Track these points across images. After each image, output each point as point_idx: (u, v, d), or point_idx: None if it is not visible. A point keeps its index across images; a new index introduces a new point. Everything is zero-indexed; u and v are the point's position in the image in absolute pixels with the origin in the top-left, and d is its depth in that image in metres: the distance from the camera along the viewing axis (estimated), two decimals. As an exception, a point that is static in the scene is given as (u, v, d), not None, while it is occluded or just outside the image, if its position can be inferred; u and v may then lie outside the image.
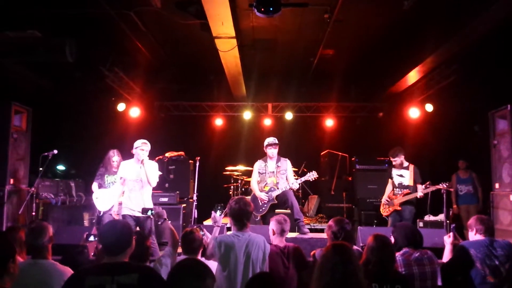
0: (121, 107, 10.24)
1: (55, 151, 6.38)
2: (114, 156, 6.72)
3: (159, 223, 3.96)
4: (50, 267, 3.31)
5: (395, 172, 7.05)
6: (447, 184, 6.50)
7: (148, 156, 5.92)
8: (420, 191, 6.65)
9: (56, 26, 6.93)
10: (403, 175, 6.96)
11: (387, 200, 7.00)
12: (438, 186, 6.53)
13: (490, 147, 6.86)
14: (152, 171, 5.90)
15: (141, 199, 5.77)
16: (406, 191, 6.82)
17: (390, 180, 7.13)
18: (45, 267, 3.31)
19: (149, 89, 10.88)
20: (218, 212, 4.18)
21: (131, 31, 7.77)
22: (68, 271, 3.33)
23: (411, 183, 6.85)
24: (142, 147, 5.82)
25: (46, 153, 6.36)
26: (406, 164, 7.03)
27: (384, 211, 7.05)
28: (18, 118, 6.97)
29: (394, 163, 7.03)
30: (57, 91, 8.97)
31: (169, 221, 4.30)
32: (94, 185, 6.74)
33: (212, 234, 4.08)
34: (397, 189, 6.95)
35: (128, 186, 5.88)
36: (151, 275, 2.68)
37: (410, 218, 6.72)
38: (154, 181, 5.93)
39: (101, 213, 6.63)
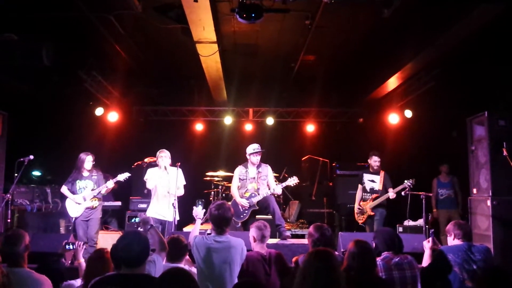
0: (99, 111, 10.07)
1: (31, 157, 6.24)
2: (88, 156, 6.64)
3: (146, 230, 3.92)
4: (26, 276, 3.26)
5: (366, 177, 7.24)
6: (410, 182, 6.67)
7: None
8: (391, 191, 6.83)
9: (33, 29, 6.80)
10: (374, 180, 7.12)
11: (359, 209, 7.16)
12: (399, 188, 6.75)
13: (468, 153, 6.95)
14: (172, 179, 6.40)
15: (167, 204, 6.32)
16: (375, 195, 6.99)
17: (360, 186, 7.27)
18: (21, 276, 3.24)
19: (128, 94, 10.76)
20: (200, 207, 4.58)
21: (110, 34, 7.67)
22: (44, 279, 3.27)
23: (381, 188, 7.04)
24: (160, 155, 6.52)
25: (22, 159, 6.22)
26: (377, 169, 7.21)
27: (359, 219, 7.23)
28: (-7, 122, 6.81)
29: (377, 165, 7.17)
30: (33, 95, 8.79)
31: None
32: (65, 189, 6.61)
33: (193, 227, 4.39)
34: (368, 194, 7.17)
35: (157, 191, 6.46)
36: None
37: (381, 220, 6.85)
38: (178, 187, 6.40)
39: (73, 219, 6.55)
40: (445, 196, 8.29)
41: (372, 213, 6.96)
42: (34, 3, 6.43)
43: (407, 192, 6.72)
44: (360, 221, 7.23)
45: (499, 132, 6.36)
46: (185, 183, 6.65)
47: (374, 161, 7.27)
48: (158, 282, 2.38)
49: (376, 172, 7.20)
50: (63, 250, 4.60)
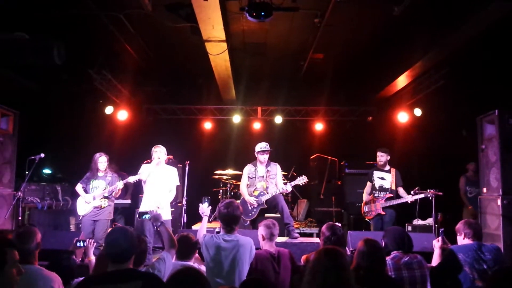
0: (109, 110, 10.13)
1: (42, 155, 6.29)
2: (101, 157, 6.67)
3: (157, 227, 3.94)
4: (36, 272, 3.27)
5: (376, 174, 7.14)
6: (433, 192, 6.56)
7: (150, 159, 6.30)
8: (410, 197, 6.70)
9: (44, 28, 6.85)
10: (384, 177, 7.04)
11: (367, 204, 7.06)
12: (425, 194, 6.57)
13: (478, 151, 6.90)
14: (165, 176, 6.23)
15: (157, 202, 6.01)
16: (388, 194, 6.89)
17: (369, 183, 7.22)
18: (31, 272, 3.25)
19: (138, 92, 10.82)
20: (206, 204, 4.55)
21: (120, 33, 7.72)
22: (55, 276, 3.29)
23: (393, 187, 6.94)
24: (154, 150, 6.28)
25: (32, 157, 6.27)
26: (388, 167, 7.14)
27: (368, 214, 7.11)
28: (4, 121, 6.85)
29: (380, 160, 7.11)
30: (44, 94, 8.86)
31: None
32: (79, 187, 6.67)
33: (201, 225, 4.42)
34: (377, 192, 7.05)
35: (148, 188, 6.22)
36: (155, 282, 2.67)
37: (390, 222, 6.77)
38: (166, 186, 6.23)
39: (80, 217, 6.58)
40: (474, 195, 8.09)
41: (383, 213, 6.88)
42: (44, 2, 6.48)
43: (417, 192, 6.67)
44: (367, 217, 7.13)
45: (510, 131, 6.30)
46: (178, 183, 6.46)
47: (377, 156, 7.20)
48: (170, 282, 2.37)
49: (387, 170, 7.12)
50: (74, 248, 4.63)
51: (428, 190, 6.58)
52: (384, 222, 6.84)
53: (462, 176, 8.42)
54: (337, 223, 4.18)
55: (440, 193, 6.65)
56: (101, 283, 2.60)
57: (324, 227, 4.02)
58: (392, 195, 6.89)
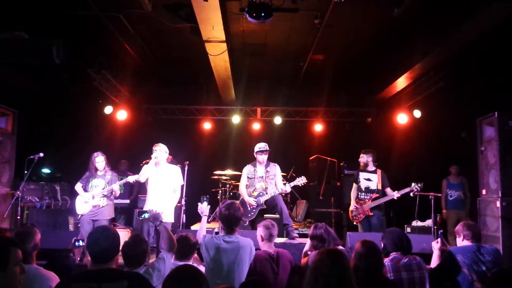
0: (108, 110, 10.13)
1: (41, 154, 6.28)
2: (98, 156, 6.66)
3: (156, 226, 3.94)
4: (33, 272, 3.27)
5: (362, 176, 7.05)
6: (418, 186, 6.53)
7: (152, 159, 6.17)
8: (396, 193, 6.65)
9: (43, 28, 6.85)
10: (370, 178, 6.97)
11: (355, 207, 6.95)
12: (410, 188, 6.55)
13: (477, 153, 6.90)
14: (168, 176, 6.13)
15: (159, 202, 5.91)
16: (374, 195, 6.84)
17: (355, 184, 7.13)
18: (28, 272, 3.24)
19: (137, 92, 10.81)
20: (205, 203, 4.49)
21: (119, 33, 7.71)
22: (52, 276, 3.29)
23: (380, 187, 6.88)
24: (154, 149, 6.17)
25: (32, 156, 6.26)
26: (373, 168, 7.06)
27: (356, 217, 6.98)
28: (3, 120, 6.86)
29: (360, 161, 7.11)
30: (43, 93, 8.85)
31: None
32: (78, 186, 6.66)
33: (200, 224, 4.41)
34: (363, 194, 6.95)
35: (150, 189, 6.16)
36: (141, 282, 2.65)
37: (378, 224, 6.71)
38: (170, 186, 6.14)
39: (79, 216, 6.57)
40: (455, 197, 8.24)
41: (371, 214, 6.77)
42: (45, 1, 6.47)
43: (416, 193, 6.66)
44: (355, 220, 7.01)
45: (509, 133, 6.32)
46: (182, 183, 6.37)
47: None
48: (168, 279, 2.36)
49: (372, 171, 7.03)
50: (72, 247, 4.63)
51: (413, 184, 6.56)
52: (372, 224, 6.75)
53: (444, 179, 8.47)
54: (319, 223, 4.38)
55: (439, 195, 6.65)
56: (81, 281, 2.57)
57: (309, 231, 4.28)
58: (378, 195, 6.81)
